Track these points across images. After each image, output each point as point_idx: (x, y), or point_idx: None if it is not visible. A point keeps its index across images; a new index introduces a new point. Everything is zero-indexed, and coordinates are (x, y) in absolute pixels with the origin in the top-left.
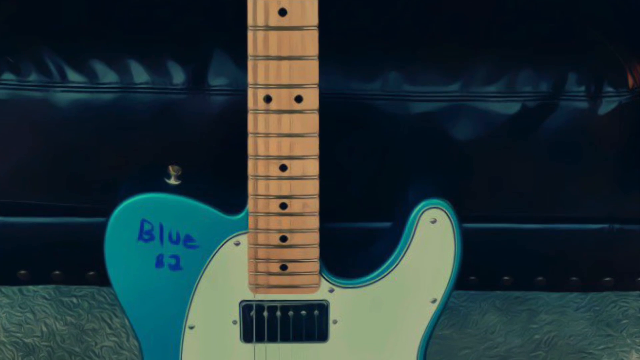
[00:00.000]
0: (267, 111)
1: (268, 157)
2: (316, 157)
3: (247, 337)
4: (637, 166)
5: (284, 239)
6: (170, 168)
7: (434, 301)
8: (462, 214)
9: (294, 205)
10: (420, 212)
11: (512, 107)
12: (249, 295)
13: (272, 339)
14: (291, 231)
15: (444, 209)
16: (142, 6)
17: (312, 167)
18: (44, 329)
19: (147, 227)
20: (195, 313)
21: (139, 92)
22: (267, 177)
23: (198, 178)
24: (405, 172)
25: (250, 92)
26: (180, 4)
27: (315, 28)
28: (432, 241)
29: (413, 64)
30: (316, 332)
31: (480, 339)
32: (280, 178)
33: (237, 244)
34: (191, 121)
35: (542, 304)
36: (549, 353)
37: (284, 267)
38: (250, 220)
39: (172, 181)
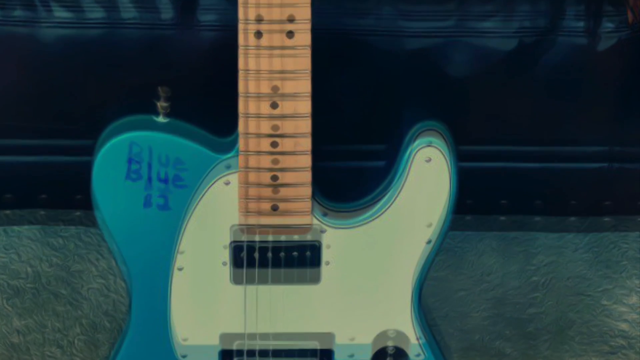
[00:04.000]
0: (258, 48)
1: (259, 95)
2: (308, 94)
3: (237, 278)
4: (637, 103)
5: (275, 178)
6: (160, 89)
7: (428, 242)
8: (457, 152)
9: (286, 144)
10: (415, 151)
11: (509, 43)
12: (240, 236)
13: (263, 280)
14: (282, 170)
15: (439, 147)
16: None
17: (304, 105)
18: (29, 270)
19: (134, 166)
20: (184, 254)
21: (127, 27)
22: (258, 116)
23: (187, 115)
24: (399, 109)
25: (240, 27)
26: None
27: None
28: (426, 180)
29: None
30: (308, 273)
31: (477, 280)
32: (271, 116)
33: (227, 183)
34: (180, 58)
35: (540, 245)
36: (546, 295)
37: (275, 207)
38: (241, 159)
39: (161, 119)
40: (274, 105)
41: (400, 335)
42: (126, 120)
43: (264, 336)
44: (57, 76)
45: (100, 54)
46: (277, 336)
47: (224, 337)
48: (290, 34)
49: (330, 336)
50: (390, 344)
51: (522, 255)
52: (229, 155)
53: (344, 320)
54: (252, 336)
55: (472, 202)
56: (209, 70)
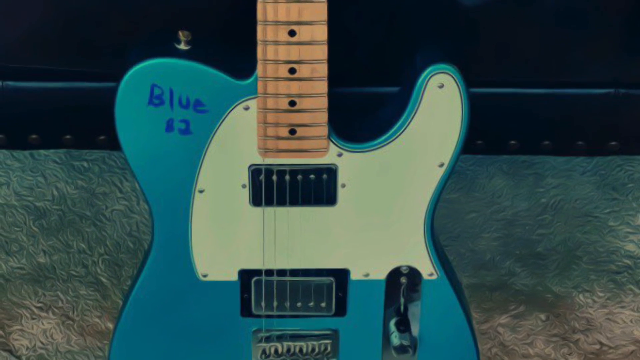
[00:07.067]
0: None
1: (277, 23)
2: (325, 22)
3: (256, 200)
4: None
5: (292, 103)
6: (180, 33)
7: (441, 165)
8: (469, 78)
9: (303, 70)
10: (428, 77)
11: None
12: (258, 160)
13: (281, 202)
14: (300, 96)
15: (452, 73)
16: None
17: (321, 32)
18: (55, 192)
19: (157, 91)
20: (205, 177)
21: None
22: (276, 43)
23: (208, 43)
24: (412, 37)
25: None
26: None
27: None
28: (439, 106)
29: None
30: (325, 196)
31: (487, 202)
32: (289, 43)
33: (247, 108)
34: None
35: (549, 168)
36: (555, 217)
37: (292, 132)
38: (260, 85)
39: (182, 46)
40: (292, 33)
41: (413, 256)
42: (149, 48)
43: (282, 260)
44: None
45: None
46: (295, 261)
47: (243, 258)
48: None
49: (346, 254)
50: (404, 263)
51: (531, 177)
52: (248, 81)
53: (360, 242)
54: (270, 259)
55: (482, 128)
56: None
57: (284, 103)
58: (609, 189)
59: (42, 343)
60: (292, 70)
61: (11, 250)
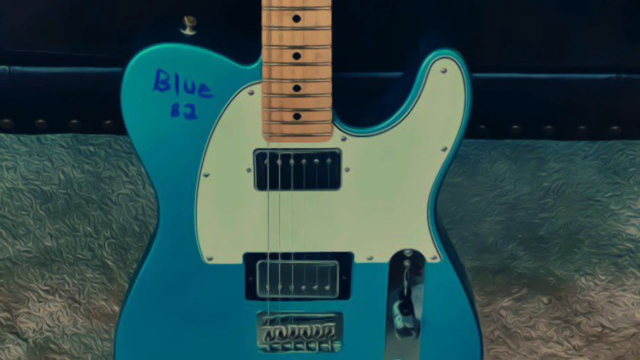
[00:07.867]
0: None
1: (281, 8)
2: (329, 7)
3: (261, 184)
4: None
5: (297, 88)
6: (186, 19)
7: (444, 149)
8: (471, 63)
9: (307, 56)
10: (431, 62)
11: None
12: (263, 144)
13: (286, 186)
14: (304, 81)
15: (454, 58)
16: None
17: (325, 17)
18: (62, 176)
19: (162, 76)
20: (210, 161)
21: None
22: (281, 28)
23: (213, 28)
24: (416, 22)
25: None
26: None
27: None
28: (442, 91)
29: None
30: (329, 180)
31: (490, 186)
32: (293, 29)
33: (251, 93)
34: None
35: (551, 152)
36: (557, 200)
37: (297, 116)
38: (264, 69)
39: (187, 32)
40: (296, 18)
41: (417, 240)
42: (154, 33)
43: (287, 243)
44: None
45: None
46: (299, 244)
47: (247, 241)
48: None
49: (350, 238)
50: (407, 247)
51: (533, 162)
52: (252, 66)
53: (363, 226)
54: (275, 242)
55: (485, 113)
56: None
57: (288, 88)
58: (610, 173)
59: (48, 326)
60: (296, 56)
61: (18, 233)
